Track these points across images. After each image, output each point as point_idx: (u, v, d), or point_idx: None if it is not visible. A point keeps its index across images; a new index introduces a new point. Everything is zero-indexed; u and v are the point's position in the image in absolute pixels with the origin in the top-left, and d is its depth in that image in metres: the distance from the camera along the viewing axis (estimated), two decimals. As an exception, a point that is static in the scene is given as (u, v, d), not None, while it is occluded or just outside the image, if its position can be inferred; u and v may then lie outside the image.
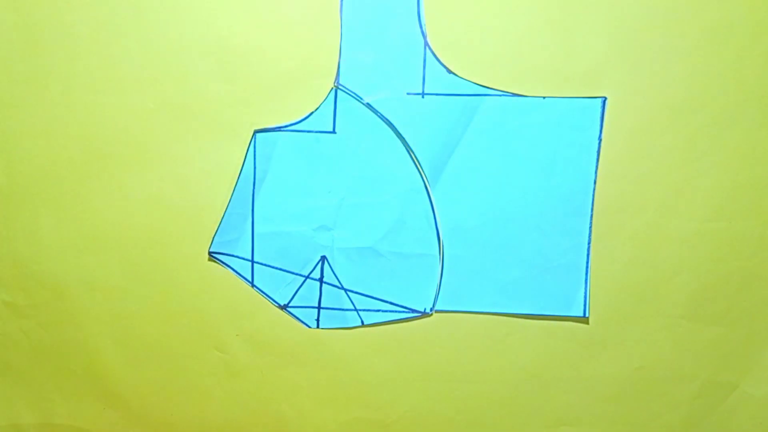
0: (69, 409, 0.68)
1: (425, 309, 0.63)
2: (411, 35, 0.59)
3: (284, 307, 0.64)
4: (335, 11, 0.59)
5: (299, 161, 0.61)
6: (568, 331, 0.62)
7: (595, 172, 0.59)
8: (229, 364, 0.65)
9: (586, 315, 0.61)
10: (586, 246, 0.60)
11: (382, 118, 0.60)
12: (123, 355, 0.66)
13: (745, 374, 0.62)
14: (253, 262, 0.63)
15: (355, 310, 0.63)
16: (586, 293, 0.61)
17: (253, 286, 0.63)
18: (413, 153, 0.60)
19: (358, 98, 0.60)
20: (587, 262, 0.61)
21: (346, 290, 0.63)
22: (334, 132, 0.61)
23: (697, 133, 0.58)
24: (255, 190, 0.62)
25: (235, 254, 0.63)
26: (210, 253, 0.63)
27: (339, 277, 0.63)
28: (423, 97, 0.59)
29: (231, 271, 0.63)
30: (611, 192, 0.60)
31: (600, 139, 0.59)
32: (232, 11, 0.59)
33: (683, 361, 0.62)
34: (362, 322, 0.63)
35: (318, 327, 0.64)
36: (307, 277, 0.63)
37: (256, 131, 0.61)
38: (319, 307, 0.64)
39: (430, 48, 0.59)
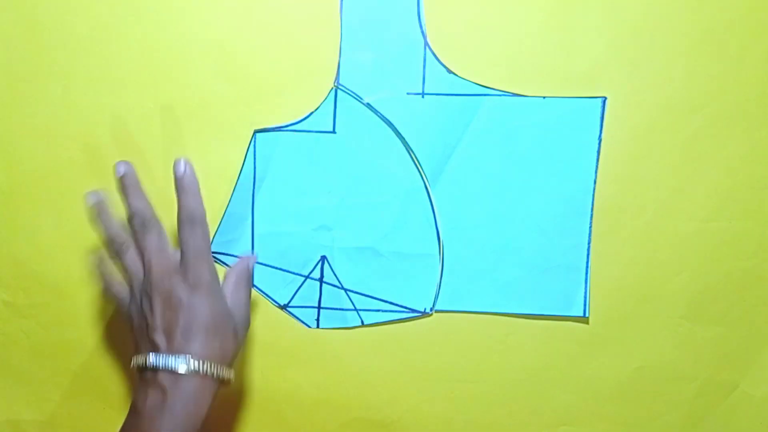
0: (69, 409, 0.68)
1: (425, 309, 0.63)
2: (411, 35, 0.59)
3: (284, 307, 0.64)
4: (335, 11, 0.59)
5: (299, 161, 0.61)
6: (568, 331, 0.62)
7: (595, 172, 0.59)
8: (229, 364, 0.65)
9: (586, 315, 0.61)
10: (586, 246, 0.60)
11: (382, 118, 0.60)
12: (123, 355, 0.66)
13: (745, 374, 0.62)
14: (253, 262, 0.63)
15: (355, 310, 0.63)
16: (586, 293, 0.61)
17: (253, 286, 0.63)
18: (413, 153, 0.60)
19: (358, 98, 0.60)
20: (587, 262, 0.61)
21: (346, 290, 0.63)
22: (334, 132, 0.61)
23: (697, 133, 0.58)
24: (255, 190, 0.62)
25: (235, 254, 0.63)
26: (210, 253, 0.63)
27: (339, 277, 0.63)
28: (423, 97, 0.59)
29: (231, 271, 0.63)
30: (611, 192, 0.60)
31: (600, 139, 0.59)
32: (232, 11, 0.59)
33: (683, 361, 0.62)
34: (362, 322, 0.63)
35: (318, 327, 0.64)
36: (307, 277, 0.63)
37: (256, 131, 0.61)
38: (319, 307, 0.64)
39: (430, 48, 0.59)
